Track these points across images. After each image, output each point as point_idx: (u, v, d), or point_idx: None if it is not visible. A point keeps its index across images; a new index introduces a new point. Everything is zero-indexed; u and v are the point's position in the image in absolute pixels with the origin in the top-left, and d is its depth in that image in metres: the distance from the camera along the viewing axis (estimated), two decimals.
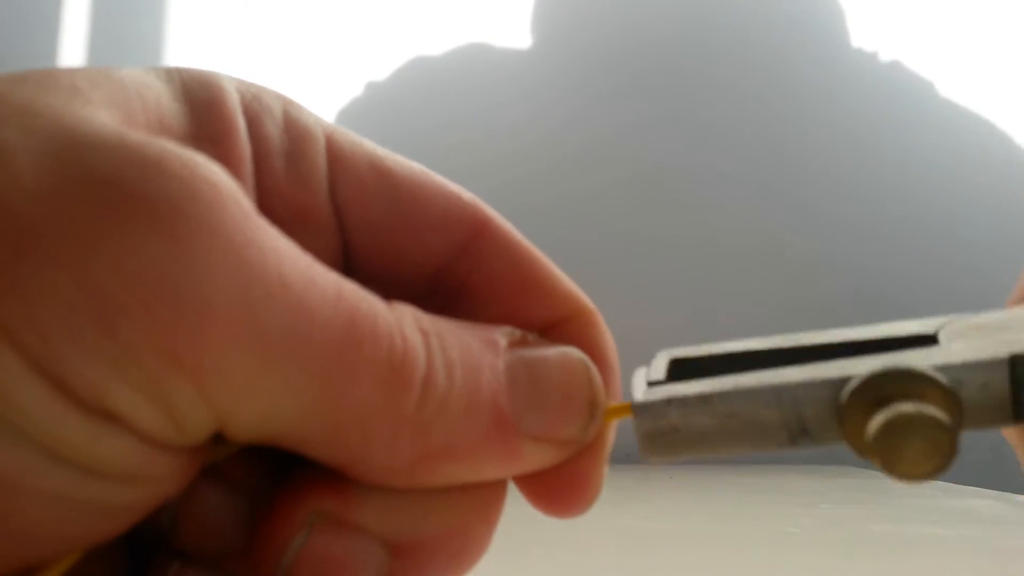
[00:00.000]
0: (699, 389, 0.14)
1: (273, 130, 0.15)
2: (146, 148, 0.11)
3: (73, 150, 0.10)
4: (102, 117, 0.11)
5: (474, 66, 1.03)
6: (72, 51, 0.92)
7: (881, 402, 0.12)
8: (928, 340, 0.14)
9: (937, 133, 1.03)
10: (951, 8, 1.05)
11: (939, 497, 0.65)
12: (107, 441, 0.10)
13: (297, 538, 0.13)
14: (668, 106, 1.03)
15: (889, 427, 0.12)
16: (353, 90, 1.02)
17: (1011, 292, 0.18)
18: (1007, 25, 1.04)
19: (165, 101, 0.13)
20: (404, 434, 0.12)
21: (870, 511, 0.58)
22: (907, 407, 0.12)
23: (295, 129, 0.15)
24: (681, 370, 0.15)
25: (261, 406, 0.11)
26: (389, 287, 0.15)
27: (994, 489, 0.65)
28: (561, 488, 0.15)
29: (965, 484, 0.68)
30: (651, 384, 0.14)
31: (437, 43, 1.03)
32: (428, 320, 0.13)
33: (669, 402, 0.14)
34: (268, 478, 0.14)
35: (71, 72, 0.12)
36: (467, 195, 0.16)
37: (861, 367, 0.13)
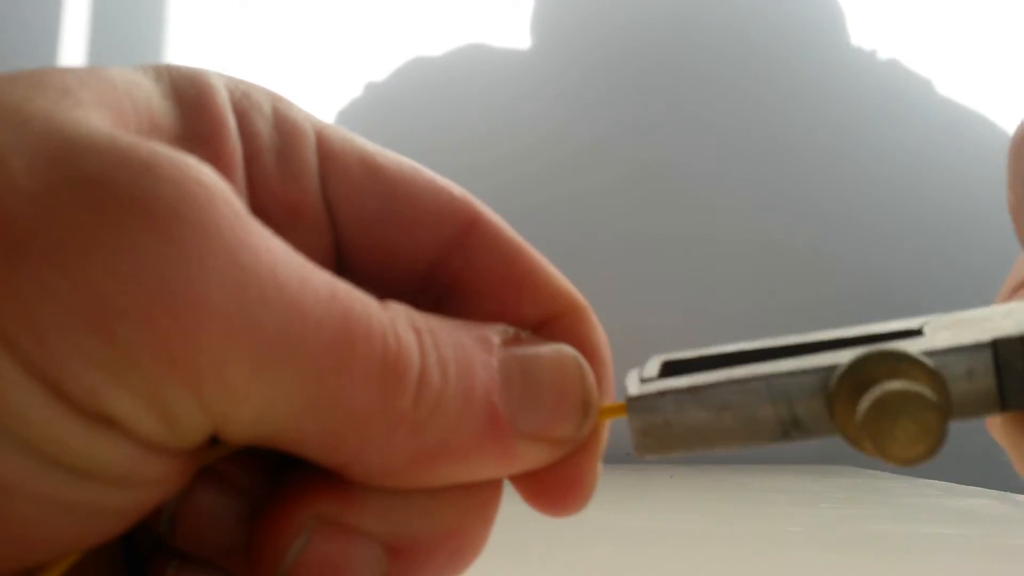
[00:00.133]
0: (690, 382, 0.14)
1: (263, 127, 0.15)
2: (137, 150, 0.11)
3: (65, 153, 0.10)
4: (93, 118, 0.11)
5: (473, 67, 1.03)
6: (72, 51, 0.92)
7: (869, 384, 0.13)
8: (914, 333, 0.14)
9: (936, 131, 1.03)
10: (949, 6, 1.05)
11: (939, 497, 0.65)
12: (104, 445, 0.10)
13: (297, 542, 0.13)
14: (667, 106, 1.03)
15: (877, 406, 0.12)
16: (352, 91, 1.02)
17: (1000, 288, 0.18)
18: (1005, 23, 1.04)
19: (155, 100, 0.13)
20: (400, 433, 0.12)
21: (870, 511, 0.58)
22: (894, 384, 0.12)
23: (285, 126, 0.15)
24: (673, 369, 0.15)
25: (257, 407, 0.11)
26: (382, 284, 0.15)
27: (994, 489, 0.65)
28: (556, 486, 0.15)
29: (965, 484, 0.68)
30: (644, 381, 0.14)
31: (436, 44, 1.03)
32: (421, 319, 0.13)
33: (662, 395, 0.14)
34: (265, 479, 0.14)
35: (62, 72, 0.12)
36: (458, 190, 0.16)
37: (848, 355, 0.13)
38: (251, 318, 0.10)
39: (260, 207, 0.15)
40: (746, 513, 0.57)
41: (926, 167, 1.02)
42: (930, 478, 0.76)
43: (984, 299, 0.19)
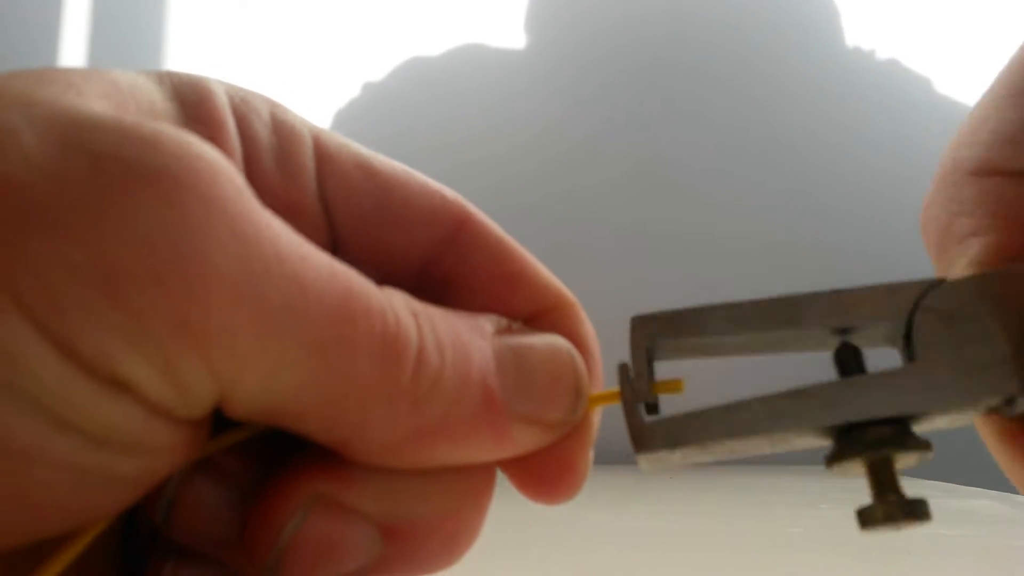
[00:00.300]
0: (698, 435, 0.15)
1: (261, 130, 0.15)
2: (142, 128, 0.11)
3: (74, 130, 0.11)
4: (97, 106, 0.12)
5: (469, 66, 1.03)
6: (72, 51, 0.92)
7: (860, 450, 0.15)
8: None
9: (935, 129, 1.03)
10: (948, 4, 1.05)
11: (939, 497, 0.65)
12: (115, 409, 0.11)
13: (293, 519, 0.13)
14: (662, 102, 1.03)
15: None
16: (350, 90, 1.02)
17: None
18: (1004, 22, 1.04)
19: (157, 100, 0.14)
20: (399, 408, 0.12)
21: None
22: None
23: (282, 129, 0.16)
24: (657, 349, 0.16)
25: (262, 376, 0.11)
26: (377, 281, 0.16)
27: (994, 489, 0.65)
28: (549, 473, 0.15)
29: (965, 484, 0.68)
30: (634, 381, 0.15)
31: (433, 43, 1.03)
32: (418, 304, 0.13)
33: (672, 450, 0.14)
34: (261, 470, 0.14)
35: (65, 70, 0.12)
36: (449, 192, 0.17)
37: (844, 411, 0.14)
38: (256, 288, 0.11)
39: None
40: (746, 514, 0.57)
41: (927, 164, 1.02)
42: (930, 478, 0.76)
43: None
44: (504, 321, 0.15)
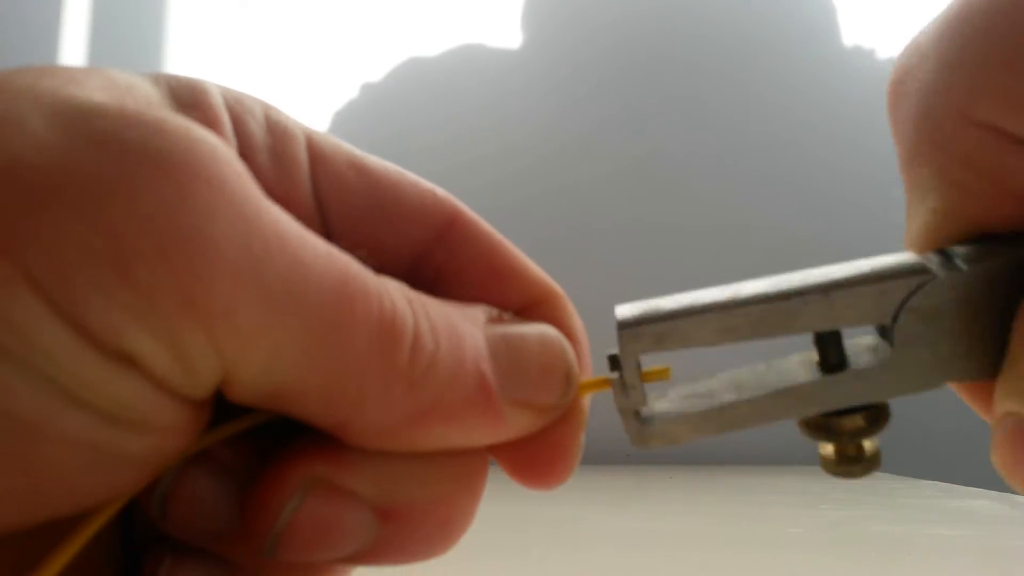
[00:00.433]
0: (691, 434, 0.16)
1: (256, 129, 0.16)
2: (145, 114, 0.11)
3: (79, 116, 0.11)
4: (98, 96, 0.12)
5: (467, 65, 1.03)
6: (72, 51, 0.92)
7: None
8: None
9: None
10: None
11: (939, 497, 0.65)
12: (123, 384, 0.11)
13: (291, 502, 0.13)
14: (659, 98, 1.03)
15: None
16: (349, 90, 1.02)
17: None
18: None
19: (154, 97, 0.14)
20: (396, 389, 0.13)
21: (870, 512, 0.58)
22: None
23: (276, 129, 0.16)
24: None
25: (264, 354, 0.11)
26: None
27: (994, 489, 0.65)
28: (542, 457, 0.15)
29: (965, 484, 0.68)
30: (629, 391, 0.15)
31: (431, 44, 1.03)
32: (413, 293, 0.14)
33: (668, 445, 0.15)
34: (257, 462, 0.14)
35: (66, 68, 0.13)
36: (439, 190, 0.17)
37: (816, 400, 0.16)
38: (257, 266, 0.11)
39: None
40: (746, 514, 0.57)
41: None
42: (930, 478, 0.76)
43: None
44: (495, 311, 0.15)
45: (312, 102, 1.00)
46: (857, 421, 0.16)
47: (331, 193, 0.16)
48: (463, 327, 0.14)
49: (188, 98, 0.15)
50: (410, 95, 1.01)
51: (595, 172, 1.00)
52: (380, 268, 0.16)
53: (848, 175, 1.01)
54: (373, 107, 1.02)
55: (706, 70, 1.04)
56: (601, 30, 1.03)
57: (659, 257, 0.99)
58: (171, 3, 1.02)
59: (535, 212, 0.97)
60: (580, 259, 0.96)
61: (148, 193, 0.11)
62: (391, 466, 0.14)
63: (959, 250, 0.15)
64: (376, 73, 1.02)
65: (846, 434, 0.16)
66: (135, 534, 0.15)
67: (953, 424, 0.87)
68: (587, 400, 0.16)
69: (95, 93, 0.12)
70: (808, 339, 0.16)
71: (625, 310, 0.15)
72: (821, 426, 0.16)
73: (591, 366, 0.17)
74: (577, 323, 0.17)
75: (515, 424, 0.14)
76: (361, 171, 0.17)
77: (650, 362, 0.16)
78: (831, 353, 0.16)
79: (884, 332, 0.16)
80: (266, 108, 0.16)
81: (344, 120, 1.01)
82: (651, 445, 0.15)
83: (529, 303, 0.17)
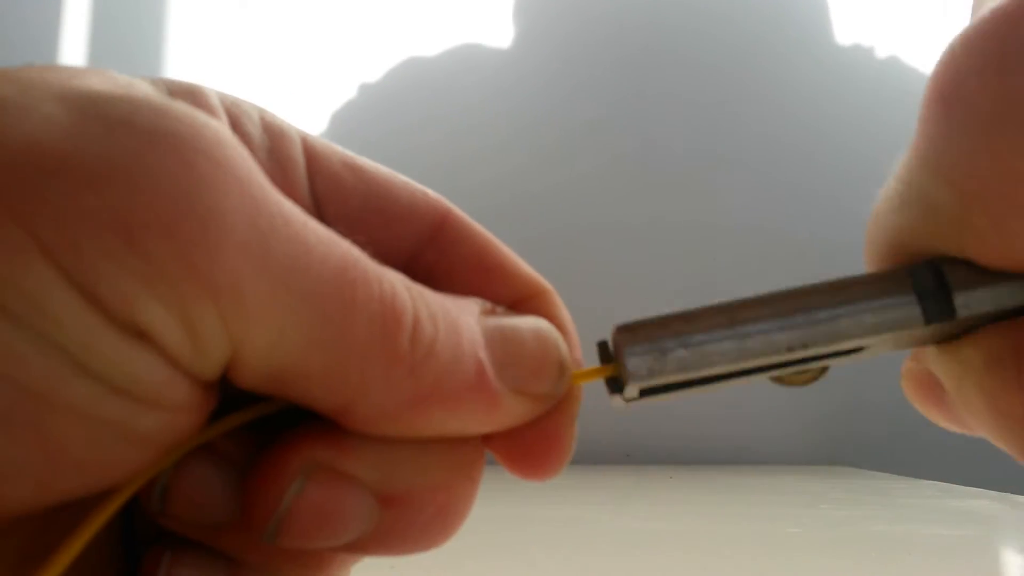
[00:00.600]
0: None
1: (253, 130, 0.16)
2: (153, 99, 0.12)
3: (89, 101, 0.11)
4: (105, 86, 0.12)
5: (464, 64, 1.03)
6: (72, 51, 0.92)
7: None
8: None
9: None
10: (948, 4, 1.05)
11: (939, 497, 0.65)
12: (134, 356, 0.11)
13: (292, 486, 0.13)
14: (654, 95, 1.03)
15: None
16: (347, 90, 1.02)
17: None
18: None
19: (152, 93, 0.14)
20: (397, 372, 0.13)
21: (870, 512, 0.58)
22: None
23: (272, 130, 0.16)
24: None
25: (268, 333, 0.12)
26: None
27: (994, 489, 0.65)
28: (536, 447, 0.16)
29: (965, 484, 0.68)
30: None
31: (428, 44, 1.03)
32: (410, 281, 0.14)
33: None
34: (258, 455, 0.14)
35: (69, 67, 0.13)
36: (431, 191, 0.18)
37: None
38: (263, 244, 0.11)
39: None
40: (745, 514, 0.57)
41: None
42: (930, 478, 0.76)
43: None
44: (488, 304, 0.16)
45: (310, 101, 1.00)
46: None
47: (327, 193, 0.17)
48: (459, 317, 0.14)
49: (187, 99, 0.15)
50: (407, 95, 1.02)
51: (590, 170, 1.01)
52: None
53: (844, 173, 1.01)
54: (370, 106, 1.02)
55: (699, 66, 1.04)
56: (591, 23, 1.03)
57: (651, 254, 0.99)
58: (171, 3, 1.02)
59: (532, 210, 0.97)
60: (571, 256, 0.96)
61: (157, 168, 0.11)
62: (391, 452, 0.14)
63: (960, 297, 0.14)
64: (373, 73, 1.03)
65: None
66: (134, 533, 0.15)
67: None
68: (580, 391, 0.16)
69: (100, 85, 0.12)
70: None
71: (635, 361, 0.14)
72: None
73: (582, 358, 0.17)
74: (567, 317, 0.17)
75: (511, 411, 0.15)
76: (355, 171, 0.17)
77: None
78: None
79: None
80: (261, 111, 0.17)
81: (342, 119, 1.01)
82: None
83: (519, 299, 0.17)
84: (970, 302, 0.14)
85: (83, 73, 0.13)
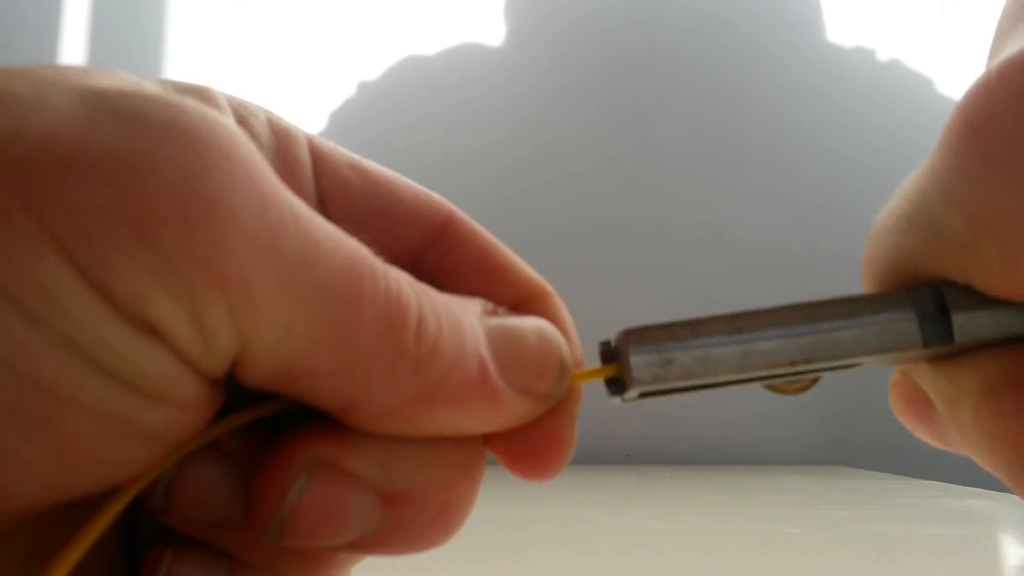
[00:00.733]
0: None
1: (260, 130, 0.16)
2: (165, 95, 0.12)
3: (103, 97, 0.11)
4: (116, 84, 0.12)
5: (462, 64, 1.03)
6: (72, 51, 0.92)
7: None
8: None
9: (935, 129, 1.03)
10: (948, 4, 1.05)
11: (939, 497, 0.65)
12: (144, 351, 0.11)
13: (296, 484, 0.13)
14: (649, 94, 1.03)
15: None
16: (346, 89, 1.02)
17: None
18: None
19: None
20: (402, 369, 0.13)
21: (870, 512, 0.58)
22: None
23: (279, 131, 0.17)
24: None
25: (276, 328, 0.12)
26: None
27: (994, 489, 0.65)
28: (537, 447, 0.16)
29: (965, 484, 0.68)
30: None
31: (427, 43, 1.03)
32: (414, 280, 0.14)
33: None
34: (261, 452, 0.14)
35: (78, 67, 0.13)
36: (434, 194, 0.18)
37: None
38: (272, 238, 0.11)
39: None
40: (745, 514, 0.57)
41: (916, 156, 1.02)
42: (930, 478, 0.76)
43: None
44: (491, 304, 0.16)
45: (309, 100, 1.00)
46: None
47: (333, 193, 0.17)
48: (462, 316, 0.14)
49: (196, 98, 0.15)
50: (406, 93, 1.02)
51: (585, 170, 1.01)
52: None
53: (840, 175, 1.01)
54: (369, 105, 1.02)
55: (693, 65, 1.04)
56: (596, 25, 1.04)
57: (644, 254, 0.99)
58: (171, 3, 1.02)
59: (529, 209, 0.97)
60: (564, 256, 0.96)
61: (170, 162, 0.11)
62: (393, 450, 0.14)
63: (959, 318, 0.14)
64: (373, 72, 1.03)
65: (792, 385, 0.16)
66: (136, 532, 0.15)
67: None
68: (580, 391, 0.16)
69: (113, 82, 0.12)
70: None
71: (640, 367, 0.15)
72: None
73: (583, 359, 0.17)
74: (568, 318, 0.18)
75: (513, 410, 0.15)
76: (361, 173, 0.17)
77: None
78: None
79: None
80: (268, 113, 0.17)
81: (340, 117, 1.01)
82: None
83: (521, 300, 0.17)
84: (968, 328, 0.14)
85: (95, 72, 0.13)
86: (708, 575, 0.37)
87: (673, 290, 0.98)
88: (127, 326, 0.11)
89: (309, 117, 1.00)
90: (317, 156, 0.17)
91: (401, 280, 0.13)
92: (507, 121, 1.01)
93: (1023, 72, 0.12)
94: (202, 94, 0.15)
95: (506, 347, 0.15)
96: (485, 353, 0.14)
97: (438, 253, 0.17)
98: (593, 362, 0.16)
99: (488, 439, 0.16)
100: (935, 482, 0.73)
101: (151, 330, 0.11)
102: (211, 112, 0.12)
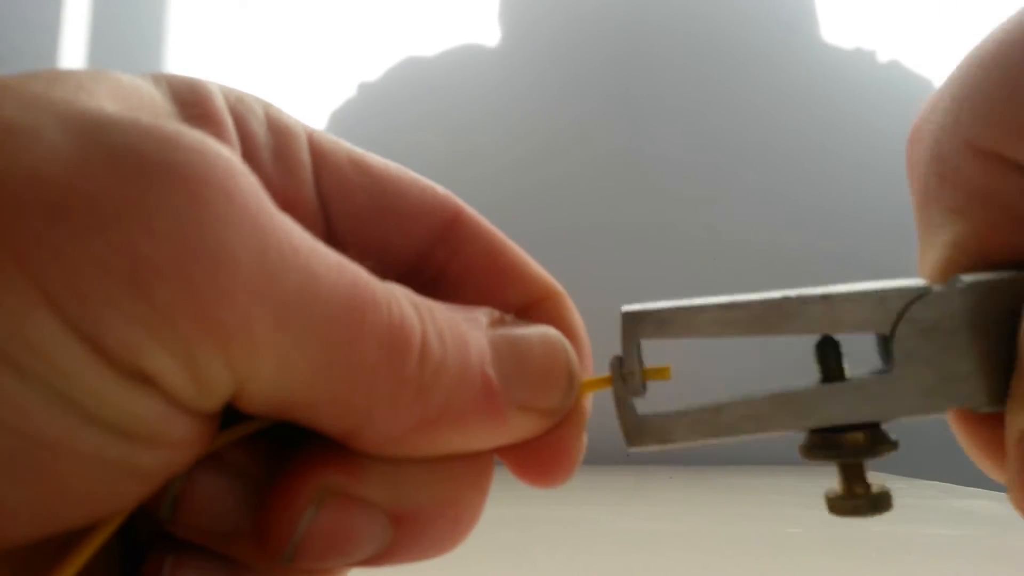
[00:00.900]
0: (685, 434, 0.15)
1: (258, 128, 0.16)
2: (161, 126, 0.11)
3: (94, 128, 0.11)
4: (109, 106, 0.12)
5: (461, 63, 1.03)
6: (72, 51, 0.92)
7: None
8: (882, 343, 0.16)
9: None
10: (948, 4, 1.05)
11: (939, 497, 0.65)
12: (138, 402, 0.11)
13: (307, 513, 0.13)
14: (647, 94, 1.03)
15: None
16: (346, 89, 1.02)
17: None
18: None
19: (158, 100, 0.14)
20: (405, 396, 0.13)
21: None
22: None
23: (278, 127, 0.16)
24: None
25: (275, 368, 0.11)
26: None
27: (994, 489, 0.65)
28: (545, 456, 0.15)
29: (965, 484, 0.68)
30: (627, 377, 0.15)
31: (427, 44, 1.03)
32: (417, 297, 0.14)
33: (661, 445, 0.15)
34: (269, 463, 0.14)
35: (74, 72, 0.13)
36: (441, 188, 0.17)
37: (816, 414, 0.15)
38: (273, 279, 0.11)
39: None
40: (746, 514, 0.57)
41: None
42: (930, 478, 0.76)
43: None
44: (497, 313, 0.15)
45: (310, 101, 1.00)
46: (858, 437, 0.15)
47: (334, 191, 0.16)
48: (467, 331, 0.14)
49: (189, 97, 0.15)
50: (406, 93, 1.02)
51: (583, 169, 1.01)
52: (384, 268, 0.16)
53: (839, 176, 1.01)
54: (369, 105, 1.02)
55: (692, 65, 1.04)
56: (596, 25, 1.04)
57: (645, 255, 0.99)
58: (171, 3, 1.02)
59: (529, 207, 0.97)
60: (566, 252, 0.96)
61: (167, 209, 0.10)
62: (401, 472, 0.14)
63: (966, 276, 0.15)
64: (373, 72, 1.03)
65: (847, 450, 0.15)
66: (136, 534, 0.15)
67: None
68: (589, 401, 0.16)
69: (106, 102, 0.12)
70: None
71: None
72: (820, 443, 0.16)
73: (592, 365, 0.17)
74: (578, 321, 0.17)
75: (519, 428, 0.14)
76: (363, 169, 0.17)
77: (652, 360, 0.16)
78: (831, 362, 0.16)
79: (886, 348, 0.15)
80: (267, 107, 0.16)
81: (340, 116, 1.01)
82: (645, 443, 0.15)
83: (531, 301, 0.17)
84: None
85: (89, 85, 0.12)
86: (708, 575, 0.37)
87: (673, 290, 0.98)
88: (121, 378, 0.10)
89: (309, 117, 1.00)
90: (317, 153, 0.16)
91: (404, 303, 0.13)
92: (505, 121, 1.01)
93: None
94: (196, 90, 0.15)
95: (512, 360, 0.14)
96: (491, 371, 0.14)
97: (446, 251, 0.17)
98: (600, 363, 0.16)
99: (496, 448, 0.15)
100: (936, 482, 0.73)
101: (143, 380, 0.11)
102: (211, 145, 0.11)
